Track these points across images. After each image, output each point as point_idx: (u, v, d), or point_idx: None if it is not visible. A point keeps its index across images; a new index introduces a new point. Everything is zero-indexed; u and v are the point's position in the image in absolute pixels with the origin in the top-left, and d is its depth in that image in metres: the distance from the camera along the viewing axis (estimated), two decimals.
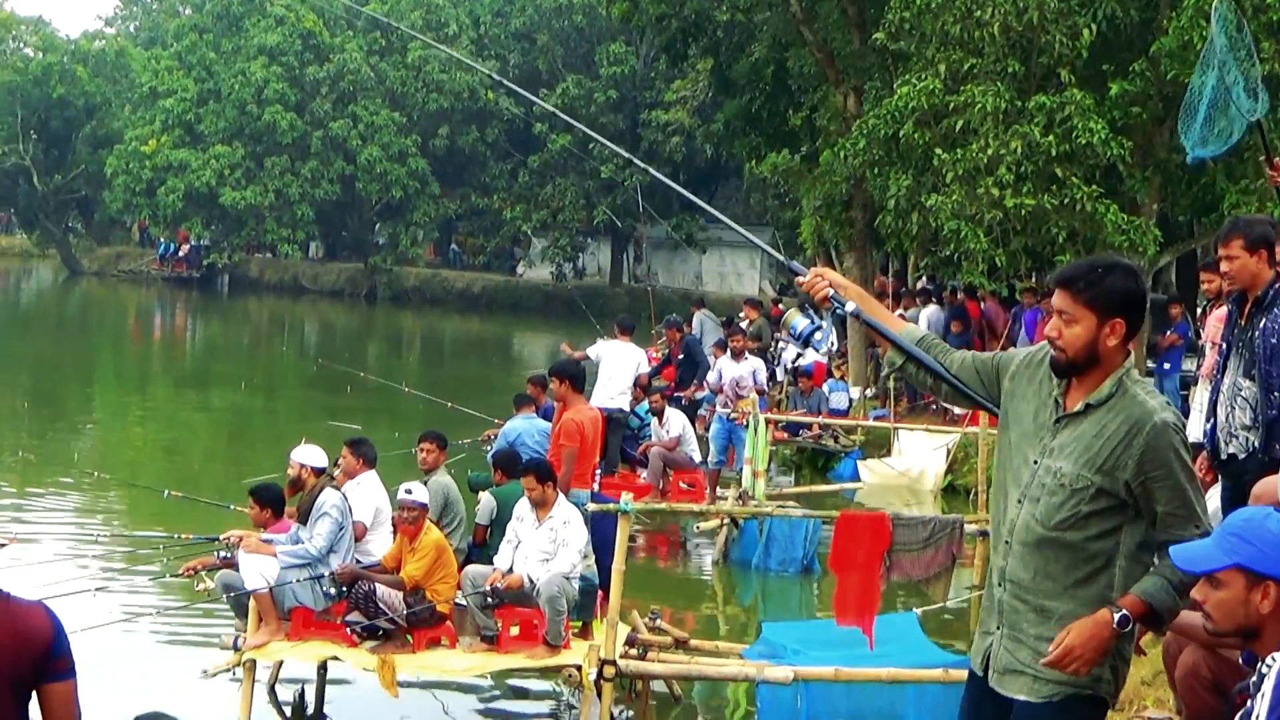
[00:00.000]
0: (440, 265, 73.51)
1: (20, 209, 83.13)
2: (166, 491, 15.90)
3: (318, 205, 67.61)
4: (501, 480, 14.71)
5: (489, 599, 12.94)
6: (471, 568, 13.39)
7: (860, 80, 30.06)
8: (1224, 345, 9.23)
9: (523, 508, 13.46)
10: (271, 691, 13.93)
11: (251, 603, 12.88)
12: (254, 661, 12.87)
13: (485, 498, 15.29)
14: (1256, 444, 8.86)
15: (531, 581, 12.97)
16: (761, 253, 60.24)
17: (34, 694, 6.45)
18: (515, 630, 12.94)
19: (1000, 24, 22.95)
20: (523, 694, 14.33)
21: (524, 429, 17.39)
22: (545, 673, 13.72)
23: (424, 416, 19.91)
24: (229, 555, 13.26)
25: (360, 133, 66.94)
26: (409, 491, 13.03)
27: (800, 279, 6.74)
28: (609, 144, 11.31)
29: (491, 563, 13.35)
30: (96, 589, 14.83)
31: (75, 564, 17.21)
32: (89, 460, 27.49)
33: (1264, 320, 8.77)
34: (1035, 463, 5.82)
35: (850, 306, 6.52)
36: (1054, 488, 5.74)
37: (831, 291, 6.54)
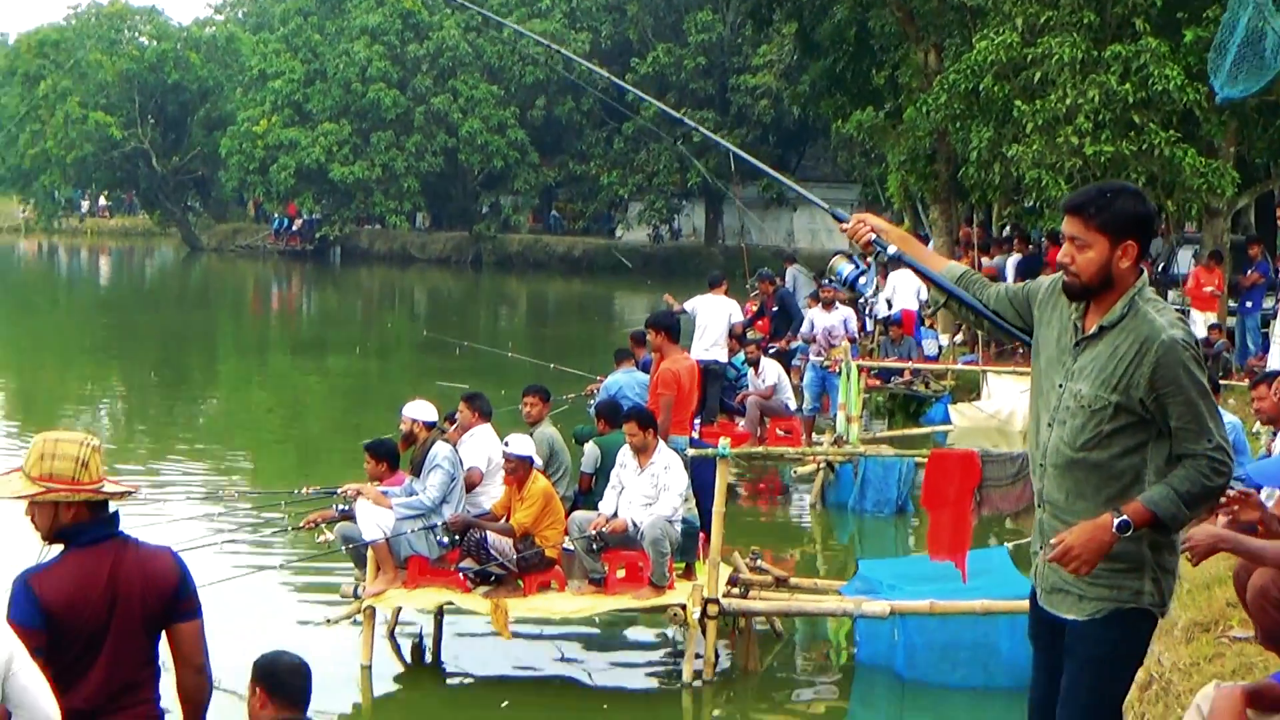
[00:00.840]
0: (541, 231, 73.60)
1: (141, 190, 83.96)
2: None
3: (423, 177, 67.84)
4: (604, 430, 14.72)
5: (594, 544, 12.99)
6: (578, 514, 13.44)
7: (940, 37, 29.82)
8: (1269, 267, 9.19)
9: (625, 455, 13.49)
10: (390, 637, 14.02)
11: (369, 553, 12.99)
12: (373, 609, 12.99)
13: (589, 447, 15.31)
14: None
15: (635, 525, 13.01)
16: (851, 207, 60.14)
17: (163, 633, 6.57)
18: (621, 572, 12.97)
19: None
20: (630, 634, 14.36)
21: (625, 382, 17.41)
22: (651, 613, 13.75)
23: (529, 376, 19.93)
24: (347, 509, 13.38)
25: (461, 106, 67.07)
26: (508, 444, 13.11)
27: (844, 225, 6.73)
28: (670, 112, 11.26)
29: (597, 509, 13.41)
30: (224, 542, 15.03)
31: (203, 519, 17.40)
32: (214, 424, 27.85)
33: None
34: (1060, 386, 5.79)
35: (892, 249, 6.50)
36: (1076, 410, 5.72)
37: (874, 236, 6.52)
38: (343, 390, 33.26)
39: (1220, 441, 5.55)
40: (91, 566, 6.34)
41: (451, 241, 71.59)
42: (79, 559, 6.37)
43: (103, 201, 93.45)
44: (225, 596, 12.17)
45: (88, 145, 76.33)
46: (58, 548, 6.48)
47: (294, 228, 74.97)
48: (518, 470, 12.98)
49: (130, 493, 6.70)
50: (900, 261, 6.51)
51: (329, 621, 13.40)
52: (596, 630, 14.24)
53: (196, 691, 6.66)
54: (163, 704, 6.63)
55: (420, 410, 13.69)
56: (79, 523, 6.38)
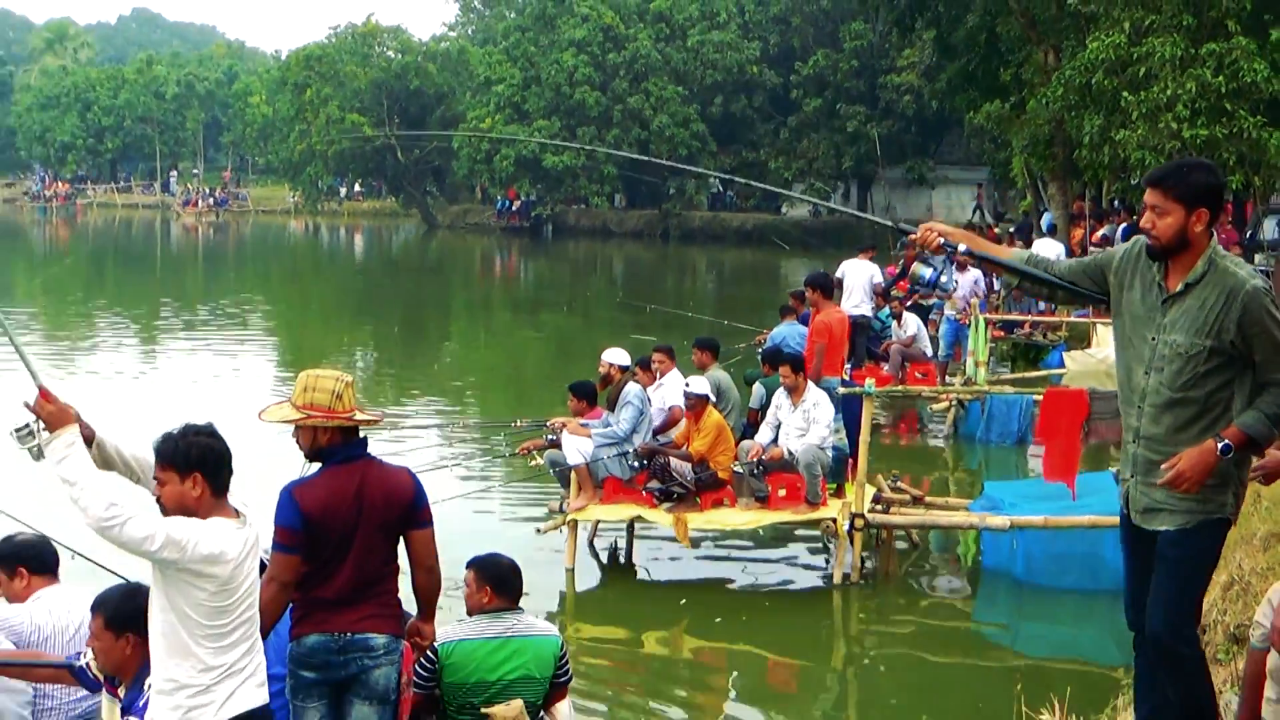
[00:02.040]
0: (719, 208, 73.38)
1: (388, 178, 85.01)
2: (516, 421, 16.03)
3: (620, 164, 68.03)
4: (769, 373, 14.72)
5: (757, 468, 13.04)
6: (745, 443, 13.48)
7: (1058, 39, 29.27)
8: None
9: (780, 395, 13.52)
10: (591, 545, 14.16)
11: (573, 475, 13.13)
12: (576, 521, 13.13)
13: (757, 387, 15.36)
14: None
15: (791, 453, 13.03)
16: (980, 187, 59.44)
17: (401, 538, 6.71)
18: (782, 492, 13.00)
19: None
20: (789, 544, 14.38)
21: (787, 333, 17.38)
22: (807, 526, 13.76)
23: (709, 330, 19.97)
24: (554, 438, 13.52)
25: (652, 105, 67.02)
26: (688, 385, 13.20)
27: (913, 235, 6.54)
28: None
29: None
30: (453, 464, 15.27)
31: (436, 445, 17.69)
32: (446, 369, 28.21)
33: None
34: (1154, 339, 5.71)
35: (962, 247, 6.35)
36: (1172, 357, 5.64)
37: (942, 240, 6.35)
38: (553, 341, 33.53)
39: None
40: (343, 481, 6.49)
41: (644, 218, 71.63)
42: (333, 475, 6.53)
43: (357, 188, 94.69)
44: (454, 510, 12.39)
45: (345, 141, 77.45)
46: (316, 465, 6.65)
47: (513, 208, 75.46)
48: (696, 406, 13.06)
49: (377, 421, 6.86)
50: (972, 256, 6.40)
51: (539, 531, 13.56)
52: (761, 540, 14.28)
53: (428, 588, 6.82)
54: (400, 597, 6.80)
55: (616, 356, 13.81)
56: (333, 445, 6.54)
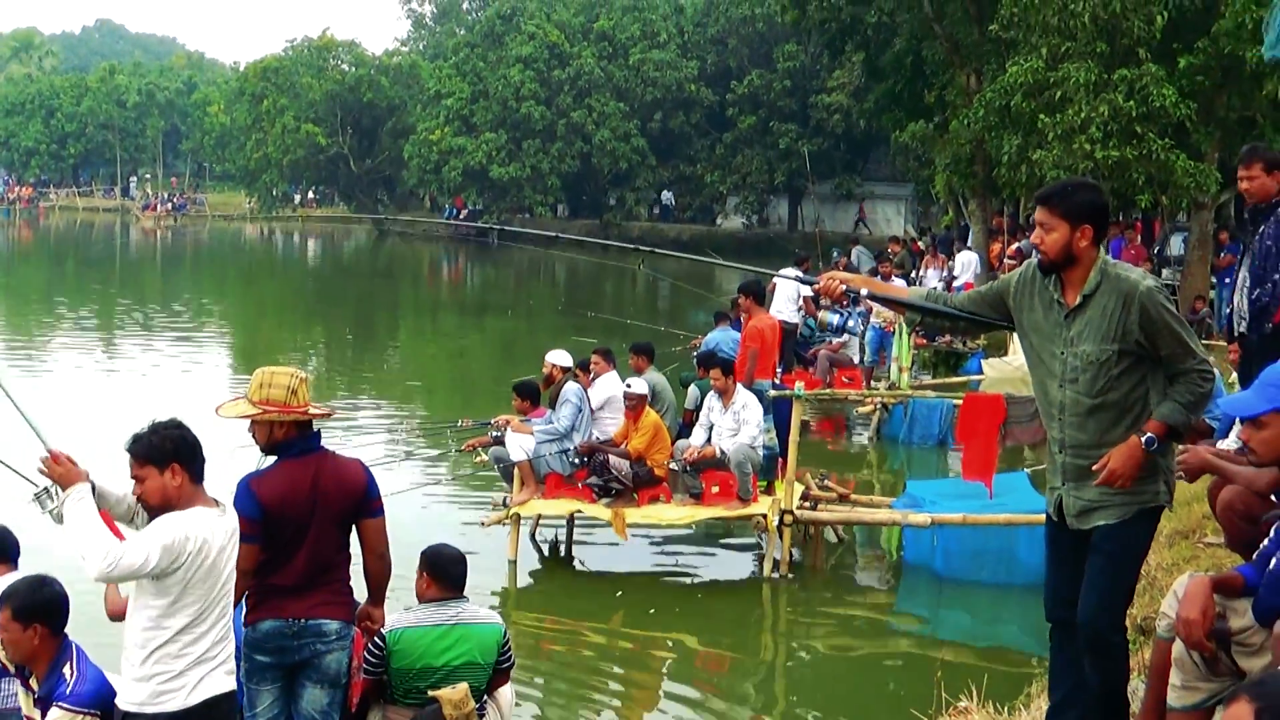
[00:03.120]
0: (657, 219, 73.44)
1: (341, 186, 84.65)
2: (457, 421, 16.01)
3: (563, 176, 67.98)
4: (703, 376, 14.75)
5: (690, 467, 13.10)
6: (680, 442, 13.53)
7: (979, 63, 29.49)
8: (1240, 247, 9.18)
9: (712, 397, 13.57)
10: (532, 538, 14.14)
11: (516, 470, 13.12)
12: (518, 515, 13.12)
13: (692, 389, 15.42)
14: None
15: (723, 452, 13.08)
16: (906, 200, 59.82)
17: (354, 528, 6.70)
18: (716, 489, 13.04)
19: (1090, 14, 22.47)
20: (720, 538, 14.42)
21: (721, 338, 17.43)
22: (738, 521, 13.80)
23: (646, 335, 20.02)
24: (499, 435, 13.51)
25: (594, 120, 67.07)
26: (629, 385, 13.22)
27: (815, 286, 6.57)
28: None
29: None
30: (401, 460, 15.22)
31: (385, 442, 17.63)
32: (394, 368, 28.12)
33: (1265, 226, 8.75)
34: (1062, 353, 5.74)
35: (864, 292, 6.48)
36: (1085, 367, 5.68)
37: (845, 287, 6.42)
38: (497, 344, 33.47)
39: (1201, 355, 5.60)
40: (299, 473, 6.48)
41: (586, 227, 71.43)
42: (289, 467, 6.51)
43: (310, 195, 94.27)
44: (403, 504, 12.34)
45: (300, 150, 77.10)
46: (272, 458, 6.63)
47: (461, 216, 75.44)
48: (636, 406, 13.09)
49: (329, 415, 6.83)
50: (873, 299, 6.47)
51: (483, 524, 13.51)
52: (695, 535, 14.32)
53: (379, 574, 6.82)
54: (351, 585, 6.78)
55: (558, 357, 13.81)
56: (289, 439, 6.53)
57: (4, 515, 7.23)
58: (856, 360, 21.67)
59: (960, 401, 13.73)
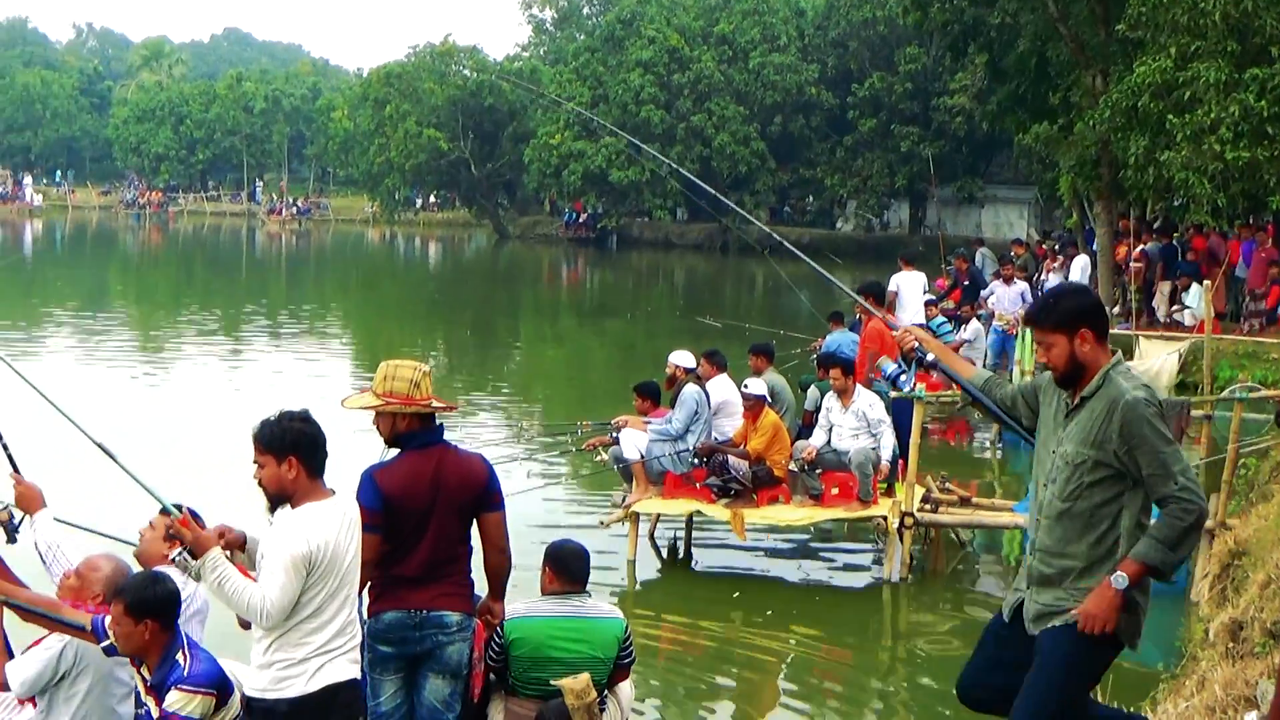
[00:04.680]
0: (777, 223, 73.29)
1: (462, 190, 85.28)
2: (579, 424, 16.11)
3: (682, 180, 68.07)
4: (823, 377, 14.71)
5: (806, 466, 13.06)
6: (800, 442, 13.48)
7: (1105, 64, 29.03)
8: None
9: (831, 397, 13.52)
10: (651, 538, 14.19)
11: (634, 470, 13.16)
12: (637, 515, 13.16)
13: (811, 390, 15.36)
14: None
15: (835, 453, 13.04)
16: (1028, 204, 59.15)
17: (474, 521, 6.75)
18: (835, 490, 12.98)
19: (1221, 12, 22.04)
20: (840, 540, 14.36)
21: (840, 339, 17.34)
22: (858, 523, 13.73)
23: (764, 338, 20.00)
24: (617, 436, 13.56)
25: (714, 123, 67.00)
26: (747, 386, 13.19)
27: (894, 332, 6.78)
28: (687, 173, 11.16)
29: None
30: (522, 459, 15.33)
31: (506, 442, 17.77)
32: (515, 370, 28.32)
33: None
34: (1054, 452, 5.70)
35: (930, 357, 6.50)
36: (1062, 466, 5.62)
37: (917, 345, 6.53)
38: (616, 346, 33.59)
39: (1185, 482, 5.38)
40: (421, 465, 6.55)
41: (704, 231, 71.54)
42: (411, 459, 6.59)
43: (432, 199, 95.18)
44: (523, 503, 12.42)
45: (421, 155, 77.81)
46: (395, 450, 6.71)
47: (580, 220, 75.77)
48: (755, 407, 13.05)
49: (453, 408, 6.90)
50: (935, 367, 6.52)
51: (603, 524, 13.57)
52: (814, 536, 14.27)
53: (499, 568, 6.88)
54: (471, 577, 6.84)
55: (682, 358, 13.83)
56: (411, 431, 6.61)
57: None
58: (979, 363, 21.47)
59: None
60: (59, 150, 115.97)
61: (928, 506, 13.10)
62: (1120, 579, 5.42)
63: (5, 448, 7.27)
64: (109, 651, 6.11)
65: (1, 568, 6.65)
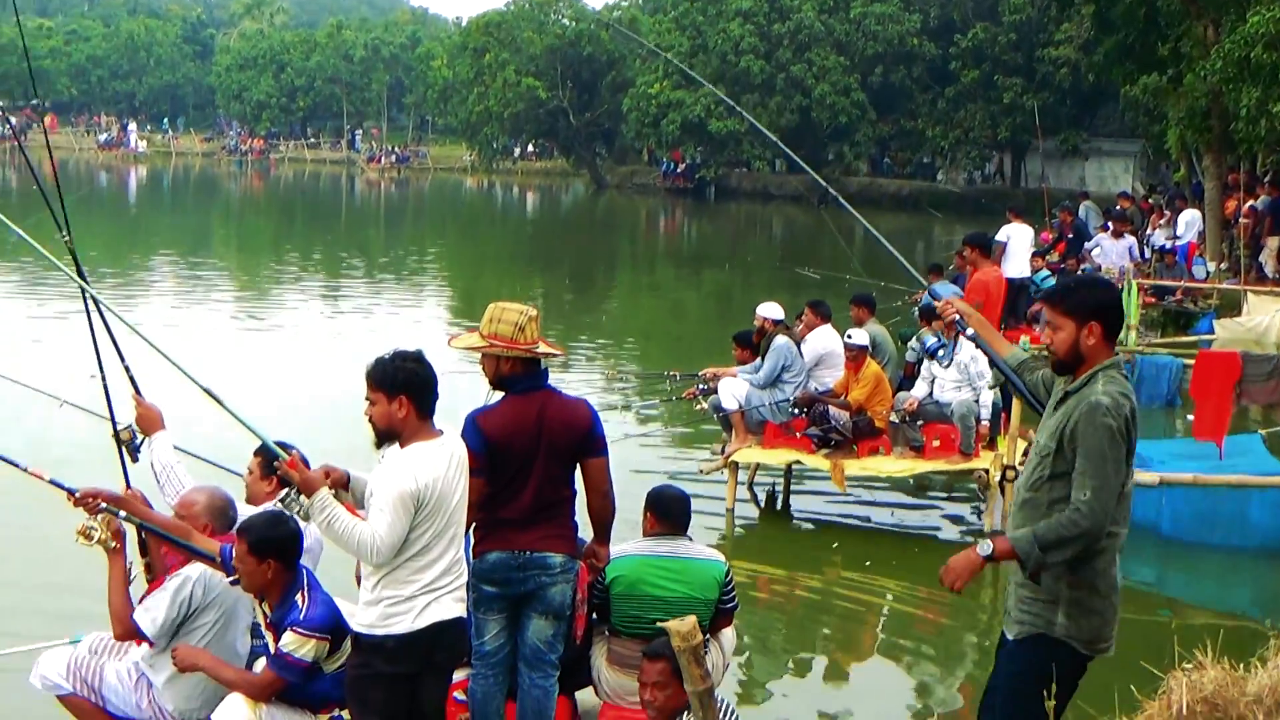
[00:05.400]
0: (876, 174, 72.70)
1: (560, 139, 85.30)
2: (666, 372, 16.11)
3: (781, 130, 67.54)
4: (925, 328, 14.60)
5: (907, 418, 12.98)
6: (902, 394, 13.40)
7: (1217, 13, 28.44)
8: None
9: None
10: (749, 487, 14.19)
11: (733, 420, 13.16)
12: (736, 464, 13.17)
13: (913, 342, 15.25)
14: None
15: (937, 404, 12.95)
16: (1134, 156, 58.21)
17: (577, 466, 6.78)
18: (937, 442, 12.90)
19: None
20: (940, 492, 14.28)
21: (941, 292, 17.12)
22: (958, 475, 13.64)
23: (864, 290, 19.88)
24: (705, 388, 13.61)
25: (814, 74, 66.46)
26: (850, 336, 13.13)
27: (937, 302, 6.77)
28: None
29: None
30: (621, 407, 15.36)
31: (604, 390, 17.82)
32: (612, 319, 28.36)
33: None
34: (1036, 441, 5.68)
35: (970, 331, 6.44)
36: (1033, 455, 5.61)
37: (958, 317, 6.48)
38: (712, 297, 33.56)
39: (1091, 499, 5.27)
40: (524, 409, 6.57)
41: (803, 182, 71.06)
42: (515, 403, 6.61)
43: (530, 148, 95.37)
44: (619, 451, 12.47)
45: (520, 104, 77.89)
46: (500, 394, 6.75)
47: (678, 170, 75.60)
48: (857, 357, 12.99)
49: (557, 354, 6.92)
50: (975, 342, 6.44)
51: (701, 472, 13.61)
52: (914, 488, 14.20)
53: (602, 512, 6.90)
54: (575, 520, 6.88)
55: (770, 310, 13.75)
56: (515, 374, 6.62)
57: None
58: None
59: (1190, 361, 13.32)
60: (163, 97, 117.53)
61: None
62: (984, 545, 5.46)
63: (127, 369, 7.46)
64: (235, 582, 6.25)
65: (139, 496, 6.77)
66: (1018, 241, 20.33)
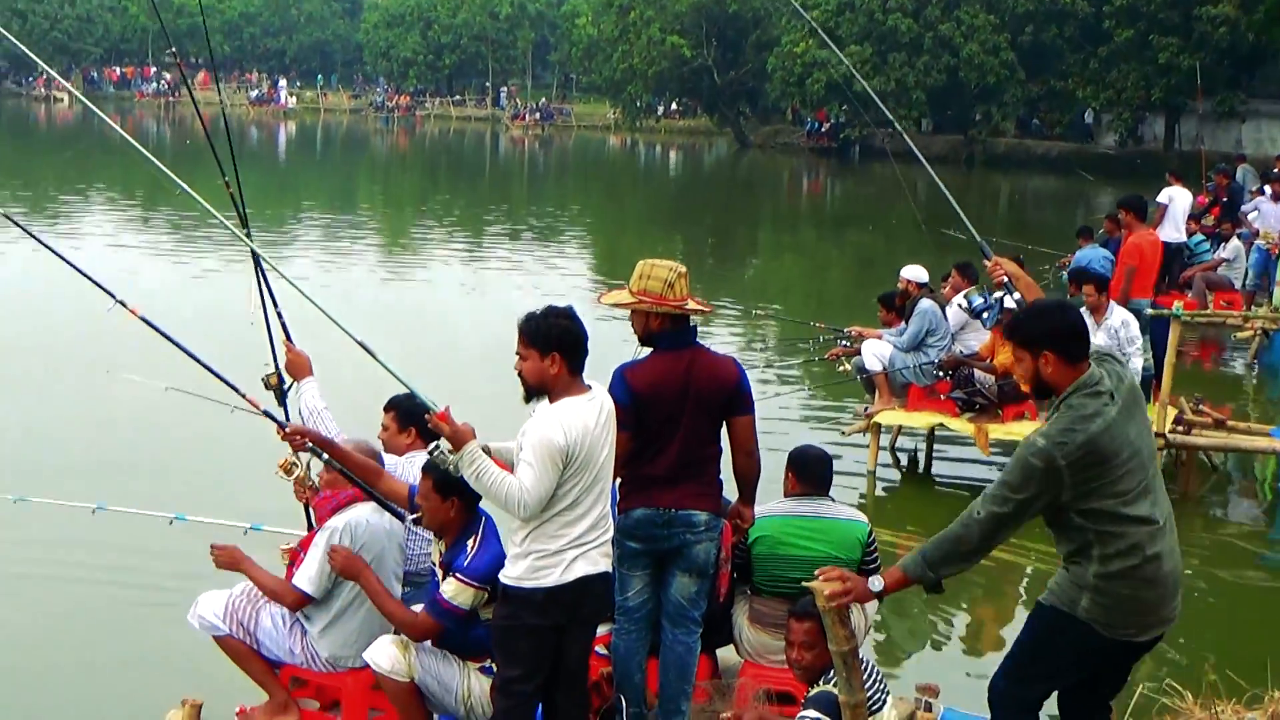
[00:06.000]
0: (1024, 136, 71.53)
1: (704, 98, 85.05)
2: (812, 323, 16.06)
3: (928, 90, 66.68)
4: (1074, 293, 14.35)
5: None
6: None
7: None
8: None
9: (1084, 313, 13.19)
10: (892, 449, 14.13)
11: (876, 381, 13.10)
12: (879, 426, 13.11)
13: (960, 299, 15.05)
14: None
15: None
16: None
17: (723, 423, 6.79)
18: None
19: None
20: None
21: (1091, 255, 16.88)
22: None
23: (1011, 254, 19.65)
24: (848, 345, 13.59)
25: (963, 33, 65.50)
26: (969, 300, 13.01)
27: (986, 261, 7.02)
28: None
29: None
30: (765, 366, 15.34)
31: (748, 348, 17.82)
32: (754, 279, 28.32)
33: None
34: None
35: (1016, 296, 6.53)
36: None
37: (1006, 279, 6.67)
38: (854, 259, 33.35)
39: (979, 518, 5.38)
40: (671, 365, 6.59)
41: (949, 143, 70.15)
42: (662, 359, 6.63)
43: (674, 106, 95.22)
44: (762, 410, 12.46)
45: (664, 62, 77.79)
46: (648, 350, 6.78)
47: (823, 129, 75.11)
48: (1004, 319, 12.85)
49: (705, 311, 6.91)
50: (1018, 304, 6.46)
51: (844, 433, 13.58)
52: None
53: (748, 471, 6.90)
54: (720, 479, 6.88)
55: (914, 272, 13.69)
56: (663, 330, 6.63)
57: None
58: (1236, 284, 20.67)
59: None
60: (312, 55, 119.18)
61: (1180, 428, 12.78)
62: (877, 583, 5.57)
63: (280, 315, 7.63)
64: (416, 522, 6.40)
65: (335, 443, 6.84)
66: (1179, 204, 19.89)
